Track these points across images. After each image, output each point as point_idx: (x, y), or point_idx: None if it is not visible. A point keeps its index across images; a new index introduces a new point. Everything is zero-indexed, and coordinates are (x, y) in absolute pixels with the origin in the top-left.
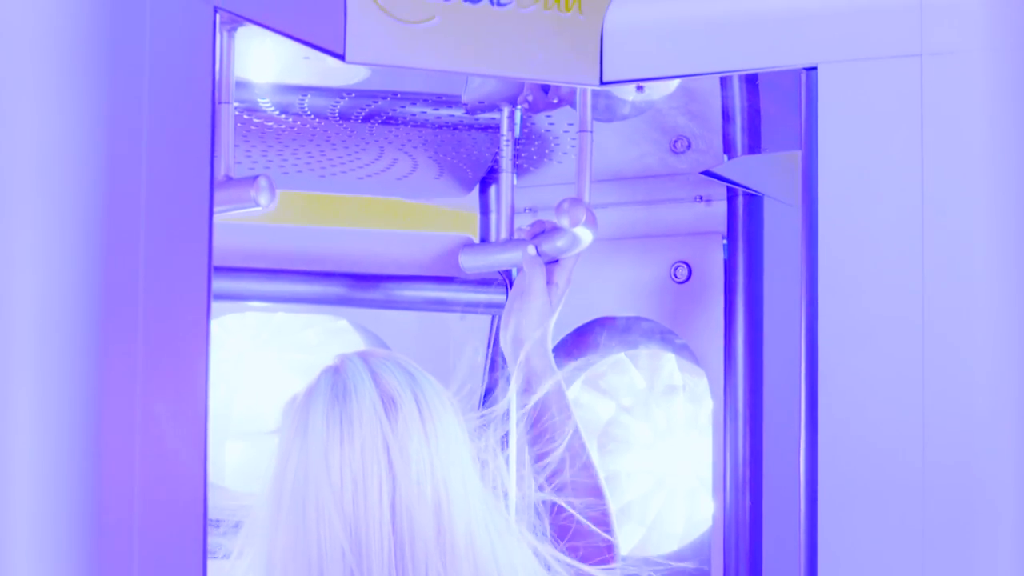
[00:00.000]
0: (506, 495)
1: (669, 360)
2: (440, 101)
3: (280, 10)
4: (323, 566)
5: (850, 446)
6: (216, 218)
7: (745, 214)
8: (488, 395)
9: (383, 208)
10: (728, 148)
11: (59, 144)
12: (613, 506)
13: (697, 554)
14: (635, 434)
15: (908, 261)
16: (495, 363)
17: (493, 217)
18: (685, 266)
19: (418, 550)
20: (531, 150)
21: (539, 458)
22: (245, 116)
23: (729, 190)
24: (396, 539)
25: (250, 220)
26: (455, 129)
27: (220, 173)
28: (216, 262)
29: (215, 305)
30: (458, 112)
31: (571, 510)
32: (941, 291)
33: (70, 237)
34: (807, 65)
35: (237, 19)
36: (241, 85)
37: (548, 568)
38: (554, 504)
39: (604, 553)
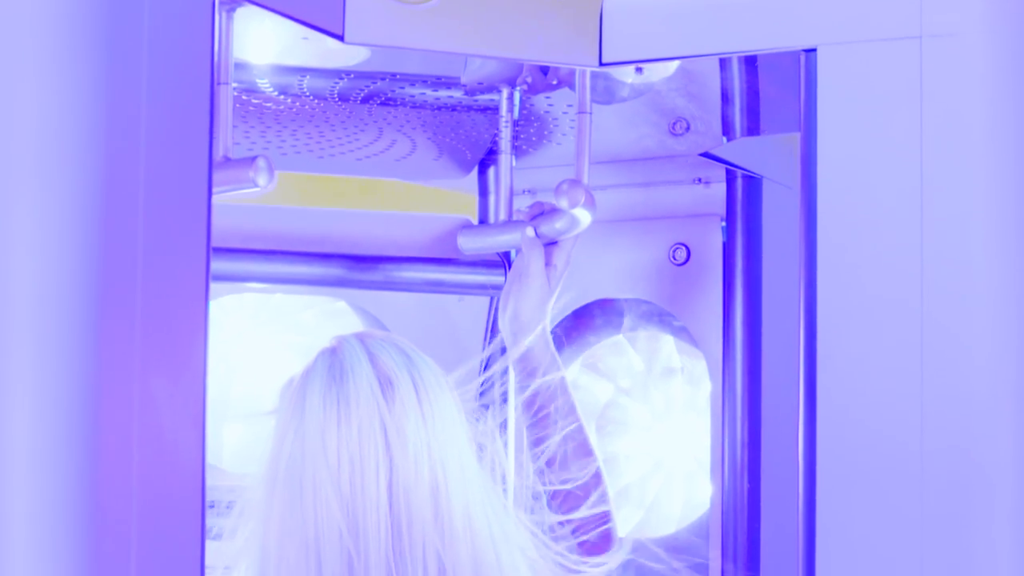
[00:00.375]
0: (504, 477)
1: (667, 342)
2: (439, 82)
3: None
4: (320, 547)
5: (848, 428)
6: (215, 199)
7: (744, 196)
8: (486, 377)
9: (382, 189)
10: (727, 130)
11: (57, 125)
12: (611, 488)
13: (695, 536)
14: (633, 416)
15: (907, 244)
16: (493, 345)
17: (492, 199)
18: (684, 248)
19: (415, 531)
20: (530, 132)
21: (537, 440)
22: (244, 97)
23: (728, 172)
24: (393, 520)
25: (249, 201)
26: (454, 110)
27: (219, 154)
28: (215, 243)
29: (213, 286)
30: (457, 93)
31: (568, 490)
32: (940, 273)
33: (69, 217)
34: (806, 47)
35: None
36: (240, 66)
37: (546, 548)
38: (552, 486)
39: (602, 535)
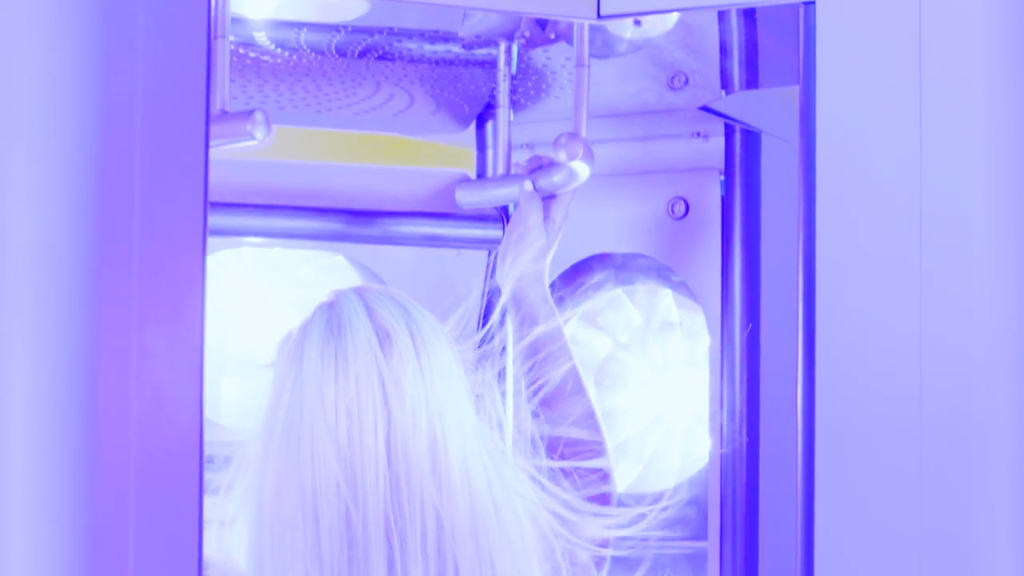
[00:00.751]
0: (502, 428)
1: (666, 296)
2: (437, 36)
3: None
4: (317, 501)
5: (847, 382)
6: (212, 153)
7: (742, 150)
8: (484, 331)
9: (380, 144)
10: (726, 84)
11: (53, 78)
12: (610, 443)
13: (693, 491)
14: (632, 371)
15: (906, 197)
16: (492, 299)
17: (490, 153)
18: (682, 202)
19: (413, 483)
20: (528, 85)
21: (535, 394)
22: (241, 51)
23: (727, 126)
24: (391, 473)
25: (246, 156)
26: (452, 64)
27: (216, 107)
28: (212, 197)
29: (211, 240)
30: (455, 47)
31: (567, 440)
32: (939, 228)
33: (66, 172)
34: None
35: None
36: (237, 20)
37: (544, 502)
38: (551, 440)
39: (601, 489)
